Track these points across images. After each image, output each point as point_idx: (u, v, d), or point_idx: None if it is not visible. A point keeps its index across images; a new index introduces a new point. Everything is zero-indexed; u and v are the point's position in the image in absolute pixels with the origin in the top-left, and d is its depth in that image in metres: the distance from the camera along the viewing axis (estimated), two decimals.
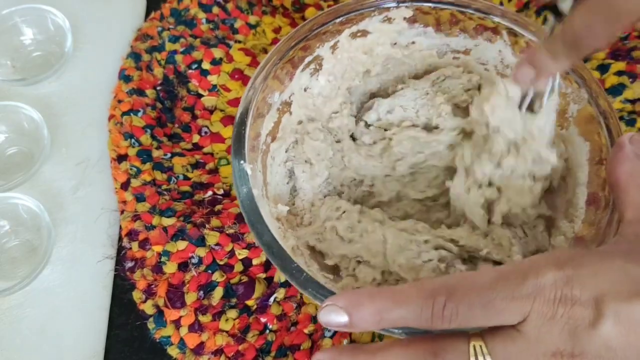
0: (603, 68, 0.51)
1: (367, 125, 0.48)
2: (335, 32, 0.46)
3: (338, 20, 0.45)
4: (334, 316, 0.28)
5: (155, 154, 0.50)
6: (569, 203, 0.41)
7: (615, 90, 0.50)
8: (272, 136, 0.45)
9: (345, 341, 0.43)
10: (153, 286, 0.45)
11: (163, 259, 0.46)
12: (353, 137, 0.49)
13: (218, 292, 0.44)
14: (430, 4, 0.46)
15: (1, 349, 0.44)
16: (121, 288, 0.47)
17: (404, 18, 0.47)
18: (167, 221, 0.47)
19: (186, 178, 0.50)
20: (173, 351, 0.43)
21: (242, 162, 0.39)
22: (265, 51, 0.56)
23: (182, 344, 0.43)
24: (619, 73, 0.51)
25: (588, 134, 0.41)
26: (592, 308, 0.25)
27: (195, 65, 0.54)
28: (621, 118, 0.49)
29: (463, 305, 0.27)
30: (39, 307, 0.46)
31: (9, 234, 0.49)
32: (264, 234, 0.35)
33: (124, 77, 0.54)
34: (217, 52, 0.54)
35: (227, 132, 0.52)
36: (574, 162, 0.41)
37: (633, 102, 0.50)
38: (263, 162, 0.44)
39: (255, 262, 0.45)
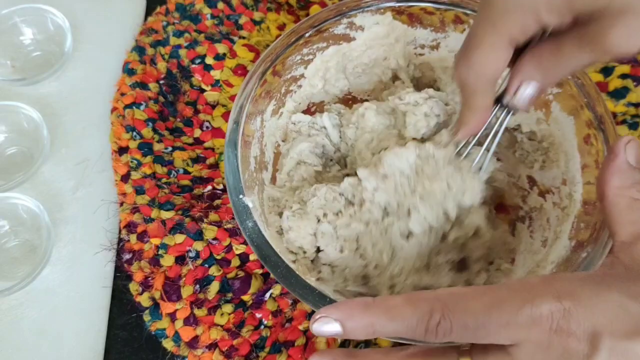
0: (607, 71, 0.50)
1: None
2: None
3: (338, 17, 0.44)
4: (327, 327, 0.29)
5: (156, 147, 0.51)
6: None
7: (619, 94, 0.50)
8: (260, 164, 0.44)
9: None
10: (150, 279, 0.45)
11: (160, 251, 0.46)
12: None
13: (214, 287, 0.45)
14: (423, 4, 0.45)
15: (1, 349, 0.44)
16: (121, 288, 0.47)
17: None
18: (166, 214, 0.47)
19: (186, 172, 0.50)
20: (168, 344, 0.44)
21: (240, 196, 0.36)
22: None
23: (176, 337, 0.44)
24: (623, 76, 0.50)
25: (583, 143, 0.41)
26: (587, 342, 0.25)
27: (199, 60, 0.55)
28: (624, 121, 0.49)
29: (457, 325, 0.27)
30: (39, 307, 0.46)
31: (8, 234, 0.49)
32: (279, 267, 0.34)
33: (128, 71, 0.55)
34: (221, 48, 0.55)
35: None
36: (571, 173, 0.41)
37: (637, 105, 0.49)
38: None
39: (252, 257, 0.46)
